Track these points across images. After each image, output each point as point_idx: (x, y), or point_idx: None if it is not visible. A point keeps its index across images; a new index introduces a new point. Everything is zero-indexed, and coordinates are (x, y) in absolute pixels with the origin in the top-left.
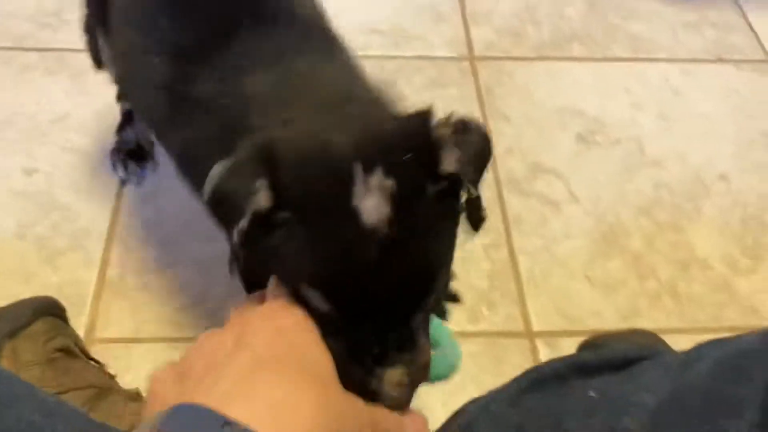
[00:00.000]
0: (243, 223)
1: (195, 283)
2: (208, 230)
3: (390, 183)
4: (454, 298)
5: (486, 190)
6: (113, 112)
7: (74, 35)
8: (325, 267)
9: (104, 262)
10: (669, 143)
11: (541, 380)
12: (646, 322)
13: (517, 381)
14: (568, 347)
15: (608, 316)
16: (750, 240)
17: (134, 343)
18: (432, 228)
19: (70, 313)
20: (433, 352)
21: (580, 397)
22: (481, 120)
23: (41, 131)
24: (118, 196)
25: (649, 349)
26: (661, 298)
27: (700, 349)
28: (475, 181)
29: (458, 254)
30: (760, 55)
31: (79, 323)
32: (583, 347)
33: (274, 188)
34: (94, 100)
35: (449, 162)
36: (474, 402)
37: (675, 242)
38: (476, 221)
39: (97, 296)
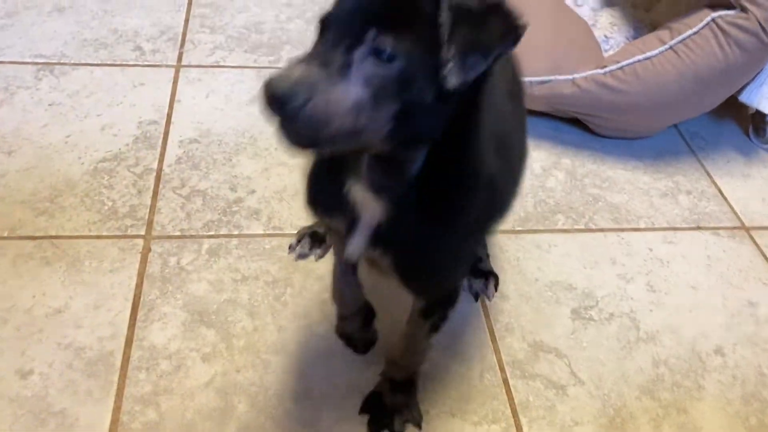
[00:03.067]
0: None
1: None
2: (211, 430)
3: None
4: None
5: (491, 374)
6: (108, 303)
7: (71, 221)
8: None
9: None
10: (661, 316)
11: None
12: None
13: None
14: None
15: None
16: (754, 420)
17: None
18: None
19: None
20: None
21: None
22: (479, 303)
23: (37, 327)
24: (118, 395)
25: None
26: None
27: None
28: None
29: None
30: (734, 222)
31: None
32: None
33: None
34: (90, 290)
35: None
36: None
37: (682, 425)
38: None
39: None
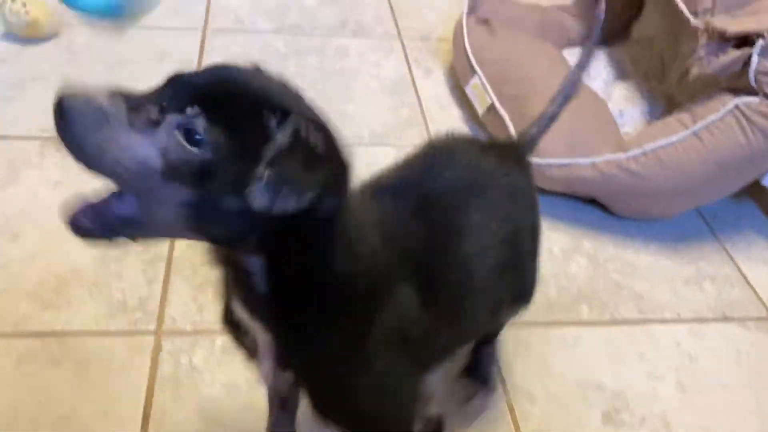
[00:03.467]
0: None
1: None
2: None
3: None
4: None
5: None
6: (117, 410)
7: (78, 315)
8: None
9: None
10: (694, 419)
11: None
12: None
13: None
14: None
15: None
16: None
17: None
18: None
19: None
20: None
21: None
22: (506, 405)
23: None
24: None
25: None
26: None
27: None
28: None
29: None
30: (761, 311)
31: None
32: None
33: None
34: (98, 395)
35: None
36: None
37: None
38: None
39: None
